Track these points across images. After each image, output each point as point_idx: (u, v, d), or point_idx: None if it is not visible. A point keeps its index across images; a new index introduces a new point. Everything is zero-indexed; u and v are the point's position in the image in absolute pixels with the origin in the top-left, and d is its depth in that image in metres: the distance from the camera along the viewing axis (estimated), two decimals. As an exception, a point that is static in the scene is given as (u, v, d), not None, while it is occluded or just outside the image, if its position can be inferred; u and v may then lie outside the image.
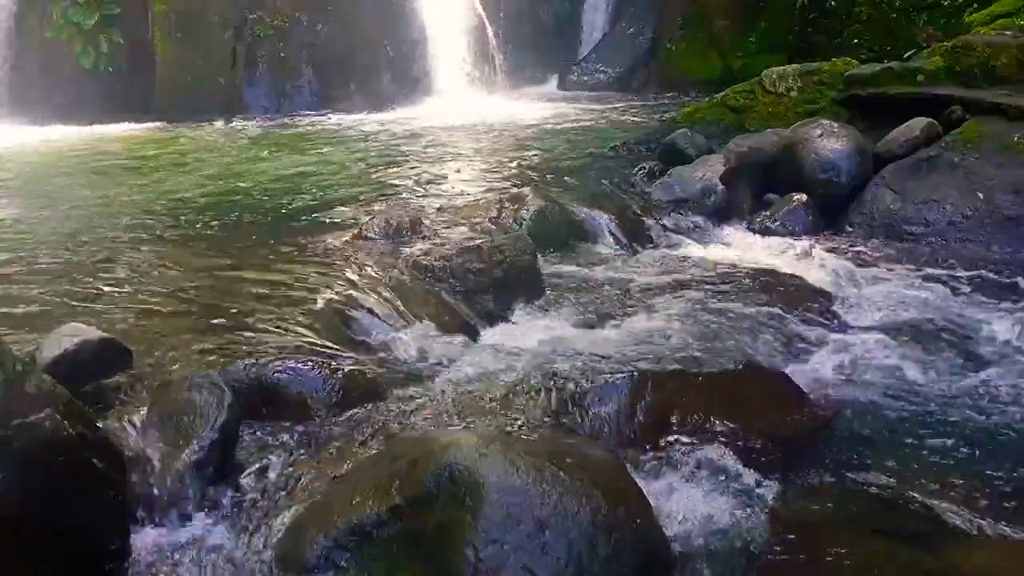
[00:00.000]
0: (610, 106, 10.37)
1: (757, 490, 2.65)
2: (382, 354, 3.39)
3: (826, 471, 2.82)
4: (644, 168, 5.91)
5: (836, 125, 5.63)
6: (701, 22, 11.73)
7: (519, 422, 2.74)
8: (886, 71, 6.21)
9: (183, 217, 5.36)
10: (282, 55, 10.97)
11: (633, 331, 3.62)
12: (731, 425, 2.94)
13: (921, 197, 5.22)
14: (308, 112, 10.68)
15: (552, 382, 2.97)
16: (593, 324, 3.76)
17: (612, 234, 5.07)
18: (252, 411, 2.66)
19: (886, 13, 9.93)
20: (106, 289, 3.78)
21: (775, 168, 5.68)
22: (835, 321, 3.99)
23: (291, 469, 2.50)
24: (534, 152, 7.31)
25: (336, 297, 3.68)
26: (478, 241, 4.18)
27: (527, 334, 3.68)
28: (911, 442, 2.97)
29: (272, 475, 2.49)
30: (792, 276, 4.49)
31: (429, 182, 6.26)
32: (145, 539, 2.29)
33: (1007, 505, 2.61)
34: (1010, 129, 5.37)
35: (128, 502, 2.28)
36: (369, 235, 4.46)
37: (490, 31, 11.56)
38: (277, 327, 3.28)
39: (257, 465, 2.52)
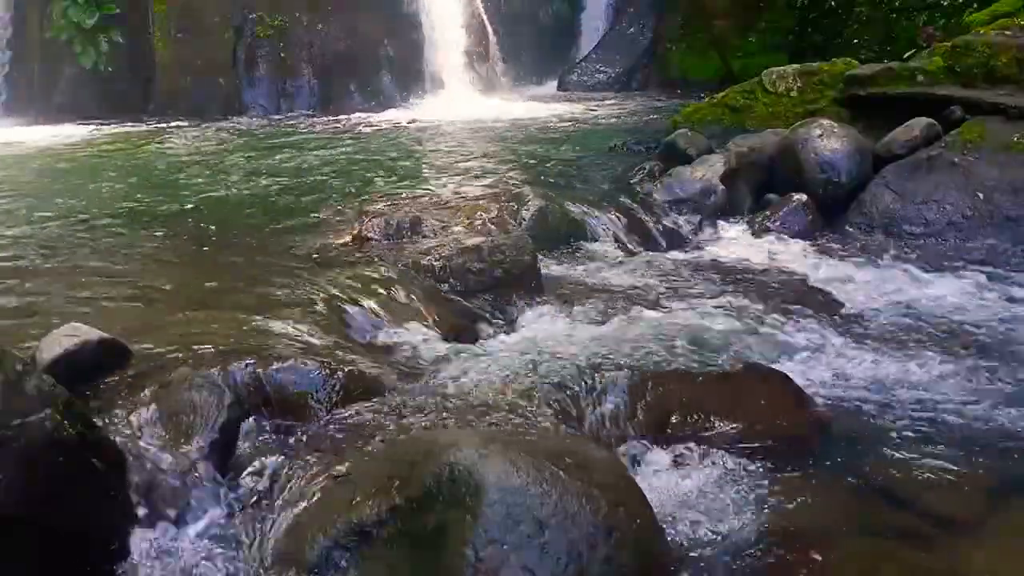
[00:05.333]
0: (610, 106, 10.37)
1: (757, 490, 2.66)
2: (382, 354, 3.39)
3: (826, 471, 2.82)
4: (644, 168, 5.91)
5: (836, 125, 5.63)
6: (701, 22, 11.74)
7: (519, 422, 2.73)
8: (886, 71, 6.21)
9: (182, 217, 5.37)
10: (282, 55, 10.98)
11: (633, 331, 3.62)
12: (731, 425, 2.94)
13: (921, 197, 5.22)
14: (308, 112, 10.70)
15: (552, 382, 2.97)
16: (593, 324, 3.75)
17: (612, 234, 5.07)
18: (252, 411, 2.65)
19: (886, 13, 9.94)
20: (105, 289, 3.77)
21: (775, 168, 5.69)
22: (835, 321, 3.98)
23: (291, 469, 2.50)
24: (534, 152, 7.31)
25: (336, 297, 3.68)
26: (478, 241, 4.18)
27: (527, 334, 3.68)
28: (911, 442, 2.97)
29: (272, 475, 2.49)
30: (792, 276, 4.50)
31: (429, 182, 6.26)
32: (145, 539, 2.28)
33: (1008, 505, 2.61)
34: (1010, 129, 5.38)
35: (128, 502, 2.28)
36: (369, 235, 4.46)
37: (490, 31, 11.58)
38: (277, 327, 3.28)
39: (257, 465, 2.51)
